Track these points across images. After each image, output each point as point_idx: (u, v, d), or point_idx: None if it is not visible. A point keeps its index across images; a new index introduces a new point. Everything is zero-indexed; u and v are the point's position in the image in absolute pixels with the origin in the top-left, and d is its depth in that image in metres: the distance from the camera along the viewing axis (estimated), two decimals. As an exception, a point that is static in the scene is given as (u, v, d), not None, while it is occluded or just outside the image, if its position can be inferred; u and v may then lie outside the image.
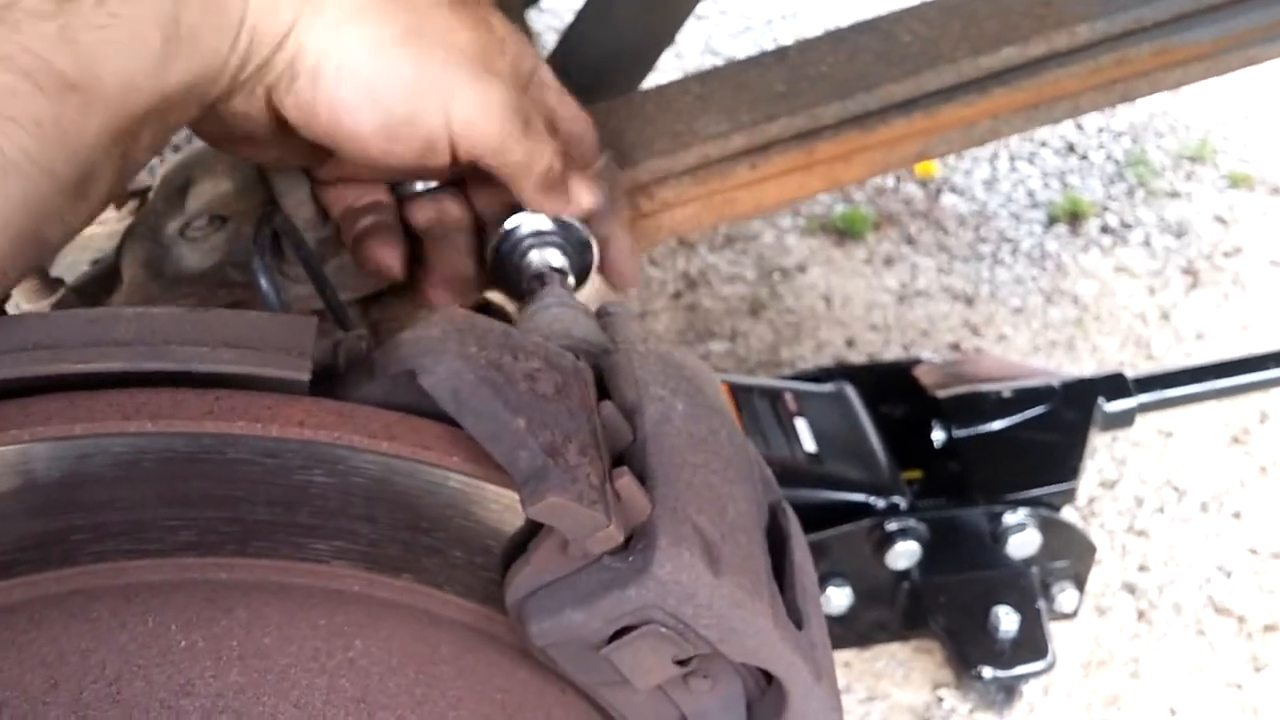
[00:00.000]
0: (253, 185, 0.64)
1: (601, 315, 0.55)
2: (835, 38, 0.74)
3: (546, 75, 0.59)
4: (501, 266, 0.60)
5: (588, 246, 0.60)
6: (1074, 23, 0.72)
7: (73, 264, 0.65)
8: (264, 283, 0.46)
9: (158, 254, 0.62)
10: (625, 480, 0.41)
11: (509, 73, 0.55)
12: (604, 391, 0.46)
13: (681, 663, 0.44)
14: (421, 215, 0.61)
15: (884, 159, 0.71)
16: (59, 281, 0.60)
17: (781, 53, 0.74)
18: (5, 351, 0.36)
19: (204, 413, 0.36)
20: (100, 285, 0.64)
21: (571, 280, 0.60)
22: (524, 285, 0.59)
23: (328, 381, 0.42)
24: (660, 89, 0.73)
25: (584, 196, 0.58)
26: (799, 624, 0.47)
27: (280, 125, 0.52)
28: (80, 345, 0.36)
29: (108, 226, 0.66)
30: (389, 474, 0.40)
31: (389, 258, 0.59)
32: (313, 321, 0.40)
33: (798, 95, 0.70)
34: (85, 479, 0.37)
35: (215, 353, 0.36)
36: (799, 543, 0.53)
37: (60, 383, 0.35)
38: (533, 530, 0.42)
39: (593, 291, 0.62)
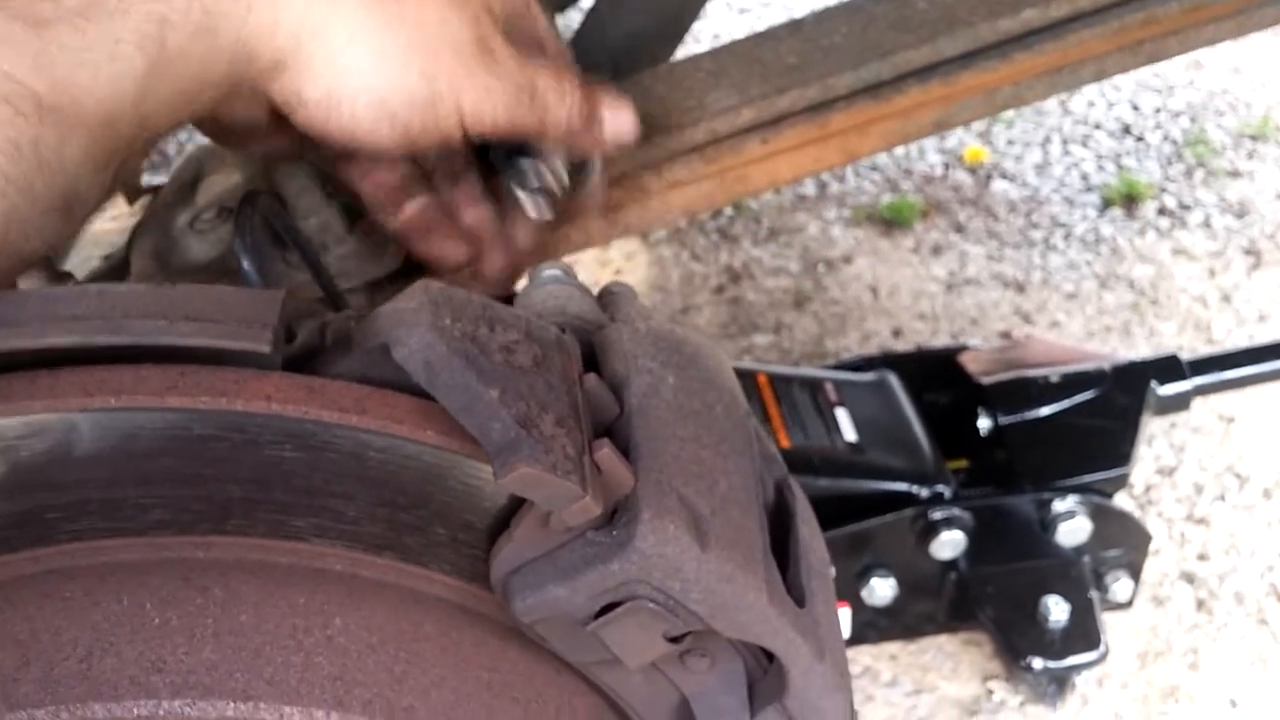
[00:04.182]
0: (261, 178, 0.64)
1: (603, 295, 0.54)
2: (850, 8, 0.72)
3: (536, 8, 0.59)
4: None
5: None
6: (1098, -19, 0.69)
7: (85, 259, 0.65)
8: (245, 263, 0.45)
9: (166, 246, 0.62)
10: (605, 452, 0.40)
11: (503, 46, 0.54)
12: (597, 367, 0.45)
13: (675, 640, 0.43)
14: (469, 216, 0.61)
15: (901, 129, 0.69)
16: (68, 275, 0.61)
17: (795, 25, 0.72)
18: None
19: (167, 388, 0.36)
20: (111, 280, 0.64)
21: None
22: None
23: (311, 361, 0.41)
24: (671, 66, 0.72)
25: (616, 121, 0.59)
26: (800, 601, 0.45)
27: (280, 120, 0.51)
28: (40, 321, 0.35)
29: (120, 222, 0.66)
30: (363, 449, 0.39)
31: (455, 251, 0.60)
32: (279, 294, 0.39)
33: (810, 66, 0.68)
34: (54, 457, 0.37)
35: (174, 326, 0.36)
36: (805, 519, 0.51)
37: (17, 360, 0.35)
38: (516, 506, 0.41)
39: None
